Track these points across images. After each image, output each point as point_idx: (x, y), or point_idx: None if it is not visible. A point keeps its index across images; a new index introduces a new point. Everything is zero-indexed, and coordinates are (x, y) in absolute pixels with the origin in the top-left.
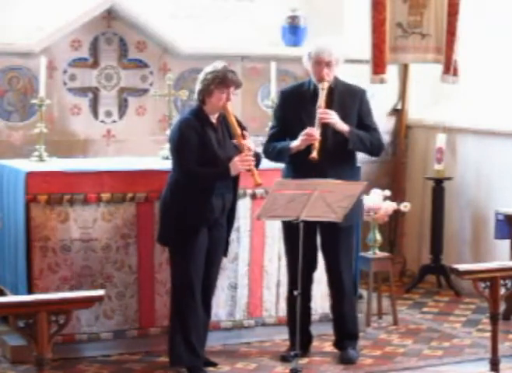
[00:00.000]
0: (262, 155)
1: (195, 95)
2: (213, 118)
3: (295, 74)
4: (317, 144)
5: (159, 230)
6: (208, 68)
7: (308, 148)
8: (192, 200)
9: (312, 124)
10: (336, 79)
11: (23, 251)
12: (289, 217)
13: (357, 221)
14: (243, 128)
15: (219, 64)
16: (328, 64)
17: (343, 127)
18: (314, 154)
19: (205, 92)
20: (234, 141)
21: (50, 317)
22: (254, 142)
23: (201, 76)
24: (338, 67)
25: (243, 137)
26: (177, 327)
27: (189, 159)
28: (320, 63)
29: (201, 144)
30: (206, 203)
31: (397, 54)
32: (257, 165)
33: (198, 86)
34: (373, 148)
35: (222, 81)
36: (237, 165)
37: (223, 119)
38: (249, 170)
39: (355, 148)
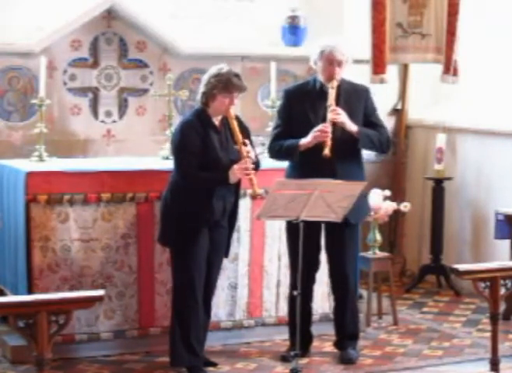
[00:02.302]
0: (266, 155)
1: (198, 97)
2: (216, 120)
3: (295, 74)
4: (329, 142)
5: (160, 230)
6: (213, 71)
7: (315, 146)
8: (192, 202)
9: (320, 122)
10: (341, 78)
11: (23, 251)
12: (289, 218)
13: (363, 218)
14: (246, 132)
15: (223, 68)
16: (340, 64)
17: (352, 127)
18: (327, 151)
19: (209, 96)
20: (236, 146)
21: (50, 317)
22: (254, 143)
23: (205, 78)
24: (346, 67)
25: (245, 144)
26: (177, 327)
27: (189, 162)
28: (333, 62)
29: (203, 147)
30: (207, 204)
31: (397, 54)
32: (255, 169)
33: (201, 88)
34: (382, 145)
35: (225, 86)
36: (236, 173)
37: (227, 121)
38: (249, 179)
39: (365, 147)
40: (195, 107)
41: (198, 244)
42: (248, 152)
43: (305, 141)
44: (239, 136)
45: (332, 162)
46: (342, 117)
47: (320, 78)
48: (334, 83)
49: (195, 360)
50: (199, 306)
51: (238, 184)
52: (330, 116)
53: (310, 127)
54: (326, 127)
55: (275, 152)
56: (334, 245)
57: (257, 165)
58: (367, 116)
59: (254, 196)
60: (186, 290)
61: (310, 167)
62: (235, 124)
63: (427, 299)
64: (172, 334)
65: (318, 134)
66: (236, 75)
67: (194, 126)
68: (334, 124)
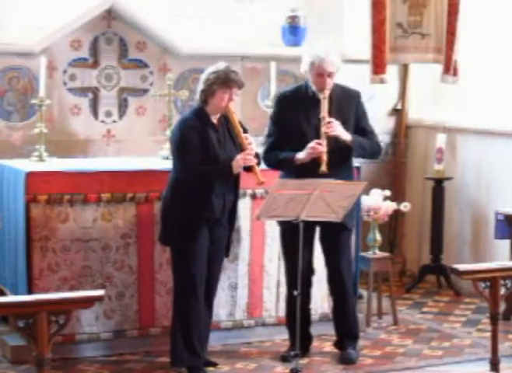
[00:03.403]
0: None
1: (197, 96)
2: (214, 118)
3: (295, 74)
4: (324, 157)
5: (161, 230)
6: (211, 69)
7: (312, 159)
8: (192, 200)
9: (312, 131)
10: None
11: (23, 251)
12: (289, 217)
13: (355, 222)
14: (244, 129)
15: (221, 65)
16: (330, 75)
17: (346, 137)
18: (324, 167)
19: (208, 93)
20: (240, 135)
21: (50, 317)
22: (254, 142)
23: (203, 76)
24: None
25: (246, 136)
26: (178, 327)
27: (190, 159)
28: (323, 74)
29: (202, 145)
30: (207, 202)
31: (397, 54)
32: (257, 164)
33: (200, 86)
34: (374, 152)
35: (224, 81)
36: (240, 162)
37: (224, 120)
38: (251, 168)
39: (358, 156)
40: (194, 106)
41: (198, 243)
42: (250, 144)
43: (300, 157)
44: (239, 128)
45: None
46: (336, 130)
47: (312, 85)
48: (326, 93)
49: (196, 360)
50: (200, 305)
51: (237, 182)
52: (324, 129)
53: (302, 135)
54: (319, 143)
55: (271, 162)
56: (328, 248)
57: (258, 158)
58: (357, 121)
59: (258, 184)
60: (187, 289)
61: (303, 173)
62: (235, 118)
63: (427, 299)
64: (173, 334)
65: (311, 152)
66: (234, 71)
67: (193, 123)
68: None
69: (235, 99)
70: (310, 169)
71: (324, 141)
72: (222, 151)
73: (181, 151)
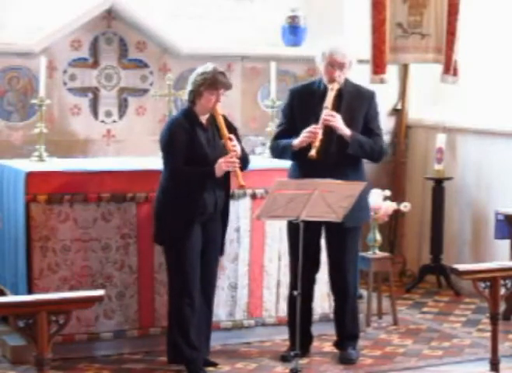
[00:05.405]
0: (267, 155)
1: (185, 96)
2: (203, 118)
3: (295, 74)
4: (317, 143)
5: (155, 230)
6: (199, 70)
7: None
8: (184, 198)
9: (317, 123)
10: (346, 80)
11: (23, 251)
12: (289, 218)
13: (365, 221)
14: (233, 129)
15: (209, 66)
16: (341, 66)
17: (345, 131)
18: (313, 152)
19: (195, 94)
20: (222, 141)
21: (50, 317)
22: (238, 144)
23: (191, 77)
24: (350, 70)
25: (230, 139)
26: (174, 325)
27: (177, 158)
28: (333, 64)
29: (191, 144)
30: (198, 198)
31: (397, 54)
32: (244, 166)
33: (188, 87)
34: (374, 154)
35: (211, 83)
36: (222, 166)
37: (213, 119)
38: (233, 171)
39: (355, 153)
40: (182, 107)
41: (191, 241)
42: (234, 146)
43: (297, 141)
44: (225, 131)
45: (328, 163)
46: (335, 121)
47: (324, 79)
48: (335, 85)
49: (195, 353)
50: (196, 303)
51: (227, 180)
52: (323, 118)
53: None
54: (316, 128)
55: (273, 151)
56: (334, 248)
57: (245, 159)
58: (366, 122)
59: (239, 187)
60: (182, 288)
61: (308, 168)
62: (221, 120)
63: (427, 299)
64: (170, 332)
65: (307, 135)
66: (222, 73)
67: (181, 123)
68: (330, 127)
69: (222, 99)
70: (308, 157)
71: (321, 128)
72: (211, 150)
73: (169, 149)
